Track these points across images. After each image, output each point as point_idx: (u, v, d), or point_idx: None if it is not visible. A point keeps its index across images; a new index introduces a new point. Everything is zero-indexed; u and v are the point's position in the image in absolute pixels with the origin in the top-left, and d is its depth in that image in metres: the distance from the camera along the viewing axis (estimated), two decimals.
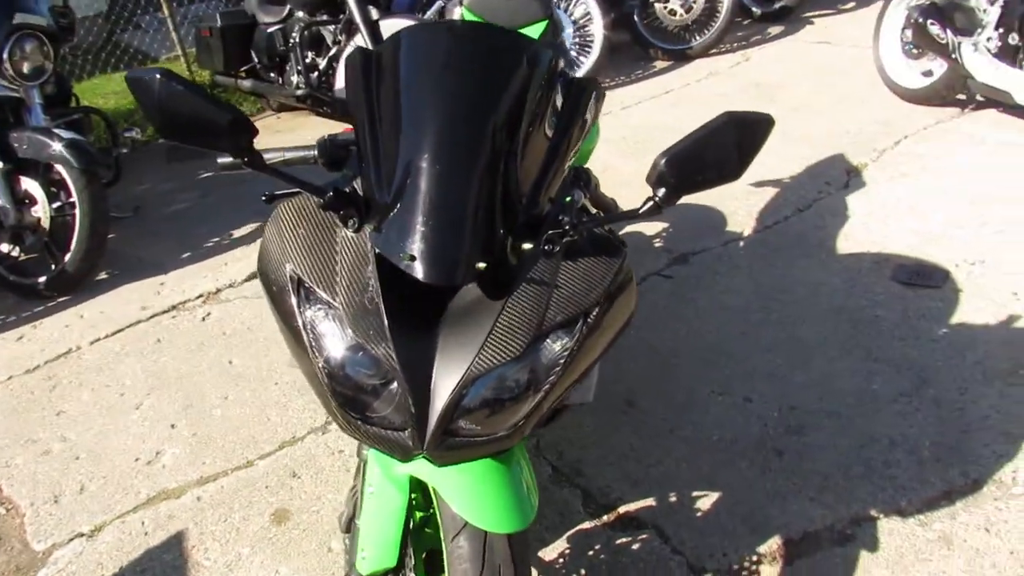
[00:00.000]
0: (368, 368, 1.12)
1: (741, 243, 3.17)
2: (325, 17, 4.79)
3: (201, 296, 3.29)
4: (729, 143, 1.11)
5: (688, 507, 2.00)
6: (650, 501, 2.02)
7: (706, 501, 2.01)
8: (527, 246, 1.15)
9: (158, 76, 1.06)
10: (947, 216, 3.15)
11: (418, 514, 1.42)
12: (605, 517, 1.99)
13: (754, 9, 6.06)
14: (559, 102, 1.26)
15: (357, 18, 4.38)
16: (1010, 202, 3.17)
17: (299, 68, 4.82)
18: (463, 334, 1.13)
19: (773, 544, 1.87)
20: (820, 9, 6.30)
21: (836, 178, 3.59)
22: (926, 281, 2.76)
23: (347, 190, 1.17)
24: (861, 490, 1.98)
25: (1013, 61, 3.55)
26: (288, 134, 5.19)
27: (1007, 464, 2.00)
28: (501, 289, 1.14)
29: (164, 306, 3.24)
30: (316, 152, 1.27)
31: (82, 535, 2.14)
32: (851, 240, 3.09)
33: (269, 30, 5.06)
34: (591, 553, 1.89)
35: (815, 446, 2.14)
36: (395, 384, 1.12)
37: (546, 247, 1.13)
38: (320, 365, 1.13)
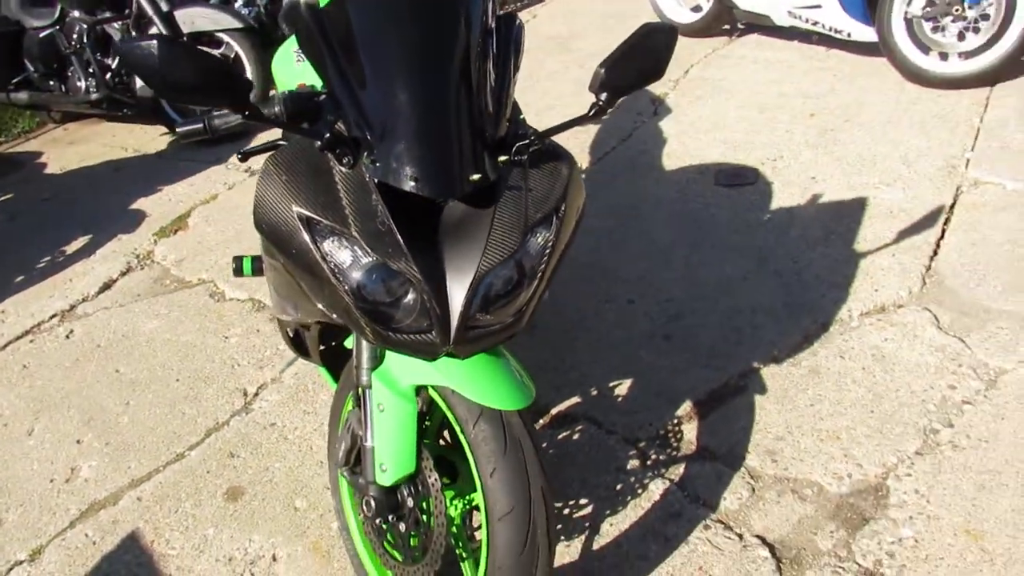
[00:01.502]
0: (391, 282, 1.26)
1: (583, 175, 3.50)
2: (108, 15, 4.52)
3: (55, 316, 3.11)
4: (650, 49, 1.36)
5: (609, 396, 2.28)
6: (576, 399, 2.29)
7: (622, 388, 2.30)
8: (502, 159, 1.33)
9: (155, 42, 1.11)
10: (745, 125, 3.66)
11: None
12: (542, 420, 2.23)
13: None
14: (496, 37, 1.44)
15: (150, 11, 4.20)
16: (789, 107, 3.75)
17: (89, 71, 4.52)
18: (464, 240, 1.29)
19: (687, 407, 2.20)
20: None
21: (645, 108, 4.02)
22: (742, 180, 3.23)
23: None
24: (740, 351, 2.37)
25: None
26: (83, 144, 4.86)
27: (843, 306, 2.47)
28: (485, 199, 1.32)
29: (15, 333, 3.03)
30: (280, 107, 1.36)
31: (21, 562, 2.05)
32: (673, 158, 3.52)
33: (42, 35, 4.67)
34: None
35: (695, 326, 2.50)
36: (413, 293, 1.26)
37: (517, 158, 1.33)
38: (346, 288, 1.25)
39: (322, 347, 1.84)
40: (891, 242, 2.71)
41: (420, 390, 1.48)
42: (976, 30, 3.47)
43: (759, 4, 4.17)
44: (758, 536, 1.81)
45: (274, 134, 3.40)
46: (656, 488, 1.97)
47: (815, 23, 3.95)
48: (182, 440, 2.38)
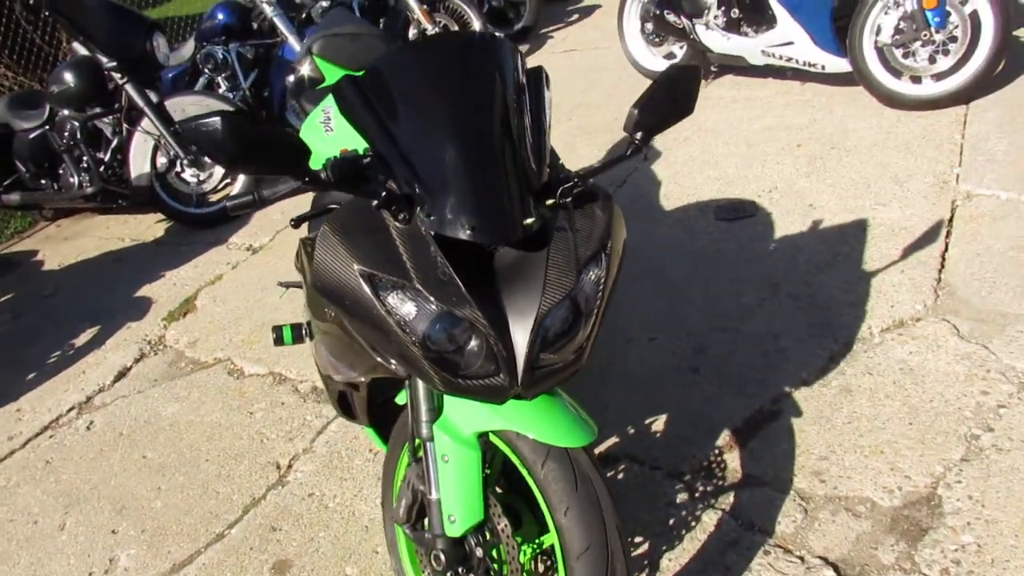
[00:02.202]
0: (456, 329, 1.29)
1: None
2: (99, 110, 4.58)
3: (73, 409, 3.08)
4: (679, 88, 1.43)
5: (647, 433, 2.29)
6: (614, 439, 2.29)
7: (658, 423, 2.32)
8: (549, 202, 1.38)
9: (218, 119, 1.16)
10: (735, 161, 3.76)
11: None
12: None
13: (498, 34, 6.62)
14: (528, 91, 1.50)
15: (141, 104, 4.29)
16: (775, 140, 3.86)
17: (82, 167, 4.57)
18: (521, 283, 1.33)
19: (725, 436, 2.22)
20: (553, 24, 7.01)
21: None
22: (742, 214, 3.30)
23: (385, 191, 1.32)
24: (769, 376, 2.40)
25: (738, 31, 4.30)
26: (78, 239, 4.88)
27: (862, 324, 2.52)
28: (535, 242, 1.36)
29: (35, 430, 3.00)
30: (327, 173, 1.39)
31: None
32: (671, 198, 3.60)
33: (31, 135, 4.73)
34: None
35: (720, 356, 2.53)
36: (477, 339, 1.29)
37: (562, 200, 1.38)
38: (413, 339, 1.27)
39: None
40: (898, 259, 2.77)
41: (481, 437, 1.49)
42: (946, 52, 3.62)
43: (732, 46, 4.33)
44: (820, 557, 1.81)
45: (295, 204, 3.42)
46: (709, 519, 1.97)
47: (789, 59, 4.10)
48: (220, 519, 2.35)
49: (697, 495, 2.05)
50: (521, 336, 1.30)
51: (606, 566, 1.38)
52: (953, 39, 3.60)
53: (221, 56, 5.10)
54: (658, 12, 4.61)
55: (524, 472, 1.46)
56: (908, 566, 1.74)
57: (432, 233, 1.31)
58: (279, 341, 1.94)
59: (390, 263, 1.30)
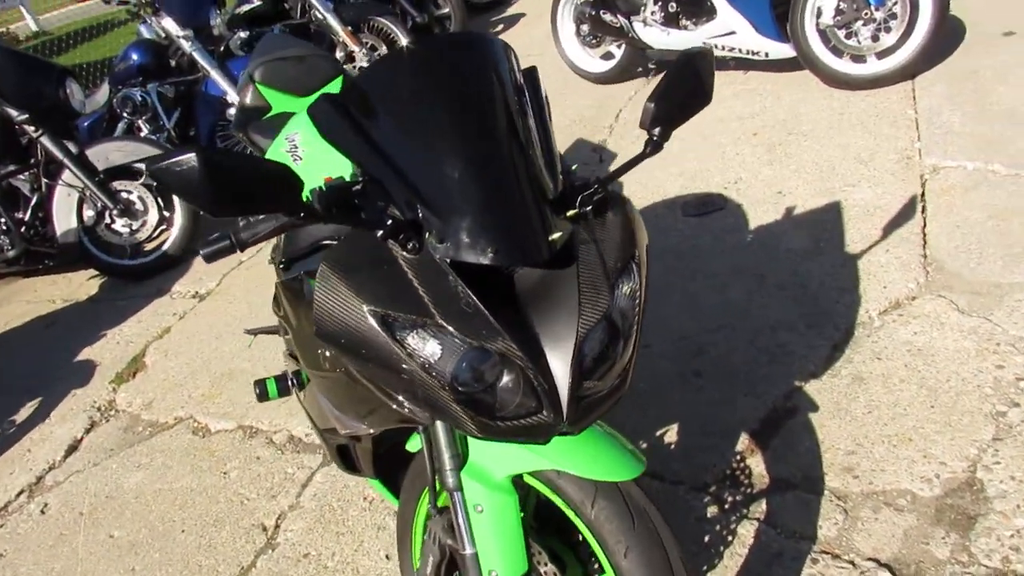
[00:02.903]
0: (488, 366, 1.13)
1: None
2: (12, 167, 4.25)
3: (23, 492, 2.79)
4: (693, 77, 1.31)
5: (661, 446, 2.17)
6: None
7: (670, 435, 2.20)
8: (570, 213, 1.24)
9: (193, 155, 0.98)
10: (694, 155, 3.70)
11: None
12: None
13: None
14: (527, 91, 1.37)
15: (60, 156, 3.99)
16: (729, 131, 3.82)
17: (1, 229, 4.24)
18: (552, 306, 1.18)
19: (744, 440, 2.11)
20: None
21: (590, 157, 4.03)
22: (712, 207, 3.23)
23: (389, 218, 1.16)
24: (776, 372, 2.30)
25: (677, 25, 4.26)
26: (3, 306, 4.53)
27: (859, 309, 2.45)
28: (558, 258, 1.21)
29: None
30: (317, 205, 1.22)
31: None
32: (635, 198, 3.49)
33: None
34: None
35: (720, 357, 2.43)
36: (510, 373, 1.14)
37: (584, 210, 1.24)
38: (441, 383, 1.12)
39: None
40: (880, 239, 2.73)
41: (515, 479, 1.34)
42: (888, 29, 3.63)
43: (672, 41, 4.28)
44: (871, 559, 1.71)
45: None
46: (746, 531, 1.85)
47: (731, 49, 4.07)
48: None
49: (727, 506, 1.93)
50: (560, 366, 1.16)
51: None
52: (893, 16, 3.61)
53: (140, 98, 4.81)
54: (593, 13, 4.54)
55: (570, 514, 1.31)
56: (965, 559, 1.66)
57: (448, 261, 1.16)
58: (263, 396, 1.75)
59: (405, 300, 1.14)
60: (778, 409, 2.18)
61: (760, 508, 1.90)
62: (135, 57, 4.78)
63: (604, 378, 1.21)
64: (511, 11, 7.34)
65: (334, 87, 2.40)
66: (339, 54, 5.51)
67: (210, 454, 2.70)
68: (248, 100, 2.35)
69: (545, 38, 5.12)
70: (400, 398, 1.21)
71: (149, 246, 4.30)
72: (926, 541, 1.71)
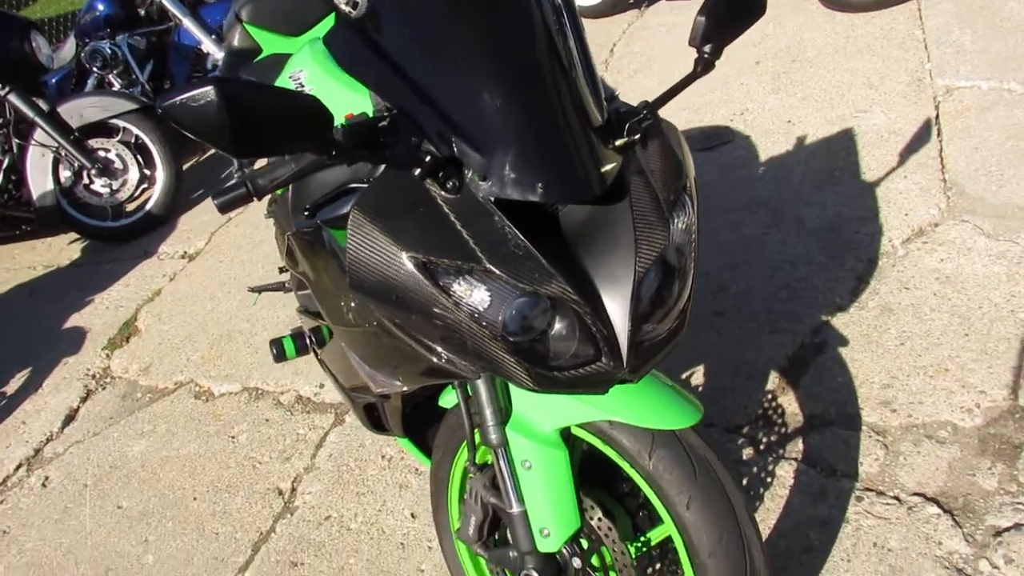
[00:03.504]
0: (543, 312, 1.04)
1: None
2: None
3: (21, 466, 2.70)
4: None
5: (688, 389, 2.10)
6: None
7: (696, 377, 2.13)
8: (619, 141, 1.14)
9: (211, 88, 0.86)
10: (696, 88, 3.55)
11: None
12: None
13: None
14: (564, 8, 1.25)
15: (31, 115, 3.79)
16: (730, 61, 3.66)
17: None
18: (606, 244, 1.09)
19: (774, 378, 2.05)
20: None
21: None
22: (720, 140, 3.13)
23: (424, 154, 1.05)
24: (800, 307, 2.23)
25: None
26: None
27: (881, 238, 2.37)
28: (609, 191, 1.11)
29: None
30: (340, 138, 1.10)
31: None
32: None
33: None
34: None
35: (741, 294, 2.35)
36: (564, 319, 1.05)
37: (632, 138, 1.14)
38: (492, 333, 1.03)
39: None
40: (896, 165, 2.64)
41: (564, 432, 1.26)
42: None
43: None
44: (917, 493, 1.67)
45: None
46: (785, 472, 1.80)
47: None
48: (228, 564, 2.06)
49: (763, 447, 1.88)
50: (617, 309, 1.07)
51: (744, 559, 1.18)
52: None
53: (109, 51, 4.59)
54: None
55: (625, 466, 1.23)
56: (1014, 488, 1.61)
57: (492, 199, 1.05)
58: (281, 356, 1.65)
59: (448, 244, 1.04)
60: (806, 345, 2.11)
61: (797, 447, 1.85)
62: (101, 8, 4.54)
63: (663, 320, 1.12)
64: None
65: (328, 24, 2.25)
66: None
67: (216, 418, 2.61)
68: (236, 42, 2.20)
69: None
70: (441, 351, 1.12)
71: (131, 206, 4.14)
72: (972, 473, 1.67)
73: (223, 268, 3.50)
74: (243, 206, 1.14)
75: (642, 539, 1.33)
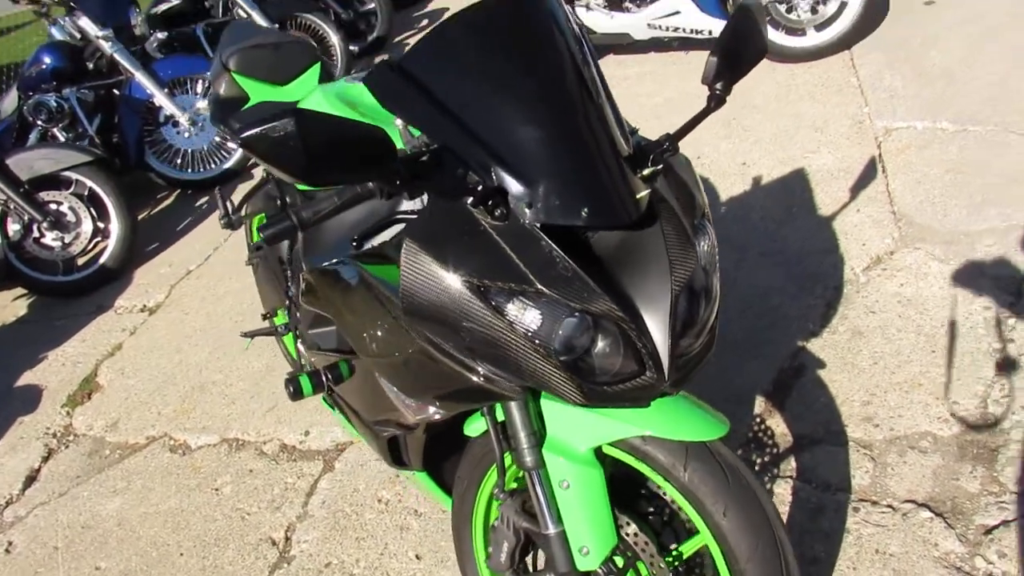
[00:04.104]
0: (590, 330, 1.10)
1: None
2: None
3: None
4: (748, 28, 1.31)
5: None
6: None
7: None
8: (647, 171, 1.21)
9: (290, 119, 0.91)
10: (651, 136, 3.72)
11: None
12: None
13: (353, 48, 6.29)
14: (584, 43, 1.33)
15: None
16: (680, 109, 3.87)
17: None
18: (642, 266, 1.16)
19: (760, 403, 2.14)
20: (405, 32, 6.79)
21: None
22: None
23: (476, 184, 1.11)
24: (776, 335, 2.35)
25: (620, 7, 4.29)
26: None
27: (843, 267, 2.52)
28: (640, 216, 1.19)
29: None
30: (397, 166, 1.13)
31: None
32: None
33: None
34: None
35: (721, 325, 2.44)
36: (606, 338, 1.11)
37: (657, 168, 1.23)
38: (546, 351, 1.08)
39: None
40: (848, 200, 2.82)
41: (597, 451, 1.31)
42: (825, 1, 3.76)
43: (617, 24, 4.31)
44: (908, 501, 1.76)
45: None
46: (782, 490, 1.88)
47: (675, 29, 4.13)
48: None
49: (757, 468, 1.95)
50: (657, 326, 1.14)
51: (780, 562, 1.24)
52: None
53: (55, 104, 4.50)
54: None
55: (659, 480, 1.29)
56: (996, 489, 1.72)
57: (538, 225, 1.11)
58: (297, 394, 1.64)
59: (500, 268, 1.09)
60: (786, 369, 2.22)
61: (790, 466, 1.93)
62: (48, 60, 4.48)
63: (698, 335, 1.20)
64: (434, 5, 7.24)
65: (313, 74, 2.30)
66: None
67: (195, 471, 2.55)
68: (223, 90, 2.23)
69: None
70: (484, 371, 1.16)
71: (83, 260, 4.04)
72: (956, 477, 1.78)
73: (188, 320, 3.45)
74: (287, 238, 1.18)
75: (674, 553, 1.38)
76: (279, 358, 2.90)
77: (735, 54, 1.30)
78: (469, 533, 1.56)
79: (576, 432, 1.29)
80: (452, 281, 1.09)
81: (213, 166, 4.81)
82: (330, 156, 0.94)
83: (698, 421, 1.27)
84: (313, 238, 1.71)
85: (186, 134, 4.67)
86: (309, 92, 2.06)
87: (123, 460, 2.72)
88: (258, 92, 2.23)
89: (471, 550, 1.57)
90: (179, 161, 4.73)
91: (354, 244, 1.21)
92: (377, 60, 1.31)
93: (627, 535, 1.34)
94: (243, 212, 2.32)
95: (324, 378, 1.64)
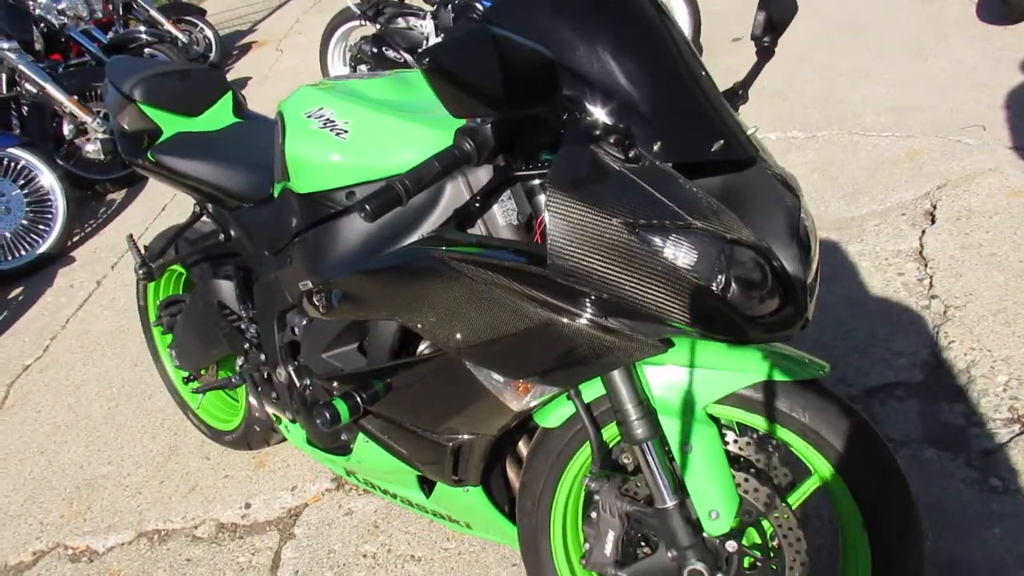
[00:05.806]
0: (745, 260, 1.07)
1: None
2: None
3: None
4: None
5: None
6: None
7: None
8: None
9: (482, 29, 0.82)
10: None
11: None
12: None
13: None
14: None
15: None
16: None
17: None
18: (758, 202, 1.16)
19: None
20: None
21: None
22: None
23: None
24: None
25: None
26: None
27: None
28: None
29: None
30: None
31: None
32: None
33: None
34: None
35: None
36: (757, 271, 1.09)
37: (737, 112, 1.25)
38: (709, 285, 1.03)
39: None
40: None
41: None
42: None
43: None
44: (910, 442, 1.87)
45: None
46: None
47: None
48: None
49: None
50: (787, 258, 1.13)
51: (908, 489, 1.25)
52: None
53: None
54: (376, 51, 4.50)
55: (774, 428, 1.26)
56: (977, 418, 1.88)
57: (670, 164, 1.08)
58: (335, 420, 1.42)
59: (650, 206, 1.04)
60: None
61: None
62: None
63: (814, 271, 1.21)
64: (232, 76, 6.96)
65: (226, 103, 2.13)
66: (67, 128, 4.81)
67: None
68: (128, 124, 1.99)
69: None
70: (616, 327, 1.09)
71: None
72: (940, 415, 1.92)
73: (44, 418, 2.93)
74: (393, 208, 1.05)
75: (787, 501, 1.32)
76: (181, 435, 2.56)
77: (776, 10, 1.36)
78: (548, 541, 1.43)
79: (689, 392, 1.24)
80: (608, 223, 1.03)
81: (23, 253, 4.22)
82: (524, 78, 0.86)
83: (803, 362, 1.28)
84: (309, 255, 1.53)
85: None
86: (229, 122, 1.97)
87: None
88: (172, 124, 2.01)
89: (550, 560, 1.44)
90: None
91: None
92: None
93: (745, 492, 1.30)
94: (163, 260, 2.05)
95: (358, 400, 1.46)
